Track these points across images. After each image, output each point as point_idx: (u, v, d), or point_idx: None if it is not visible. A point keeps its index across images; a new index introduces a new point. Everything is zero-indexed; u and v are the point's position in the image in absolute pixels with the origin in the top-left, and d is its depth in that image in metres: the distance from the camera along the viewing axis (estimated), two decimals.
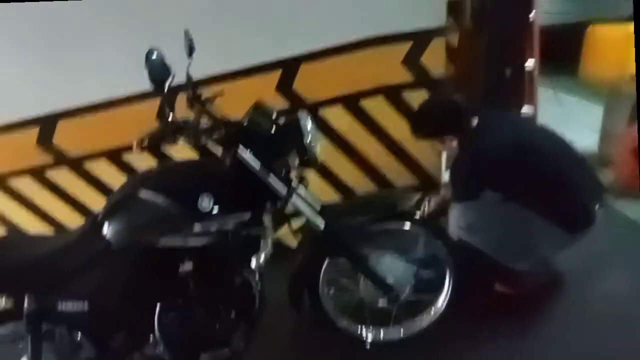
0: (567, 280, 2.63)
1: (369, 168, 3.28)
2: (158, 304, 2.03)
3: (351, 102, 3.16)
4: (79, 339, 2.03)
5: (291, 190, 2.00)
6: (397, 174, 3.30)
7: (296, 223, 2.21)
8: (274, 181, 1.97)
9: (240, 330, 2.12)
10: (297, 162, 1.98)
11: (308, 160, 2.00)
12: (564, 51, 4.11)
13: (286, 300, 2.25)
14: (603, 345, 2.24)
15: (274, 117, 2.00)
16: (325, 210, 2.13)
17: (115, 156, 3.07)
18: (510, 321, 2.41)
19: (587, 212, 2.42)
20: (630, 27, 3.65)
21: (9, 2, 2.54)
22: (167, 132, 1.87)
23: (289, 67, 3.02)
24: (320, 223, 2.07)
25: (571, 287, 2.61)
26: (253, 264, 1.93)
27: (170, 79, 1.84)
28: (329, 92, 3.12)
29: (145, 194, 1.90)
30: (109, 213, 2.00)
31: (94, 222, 2.02)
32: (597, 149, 3.96)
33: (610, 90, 3.86)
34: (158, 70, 1.82)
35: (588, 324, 2.38)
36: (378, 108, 3.17)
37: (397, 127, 3.09)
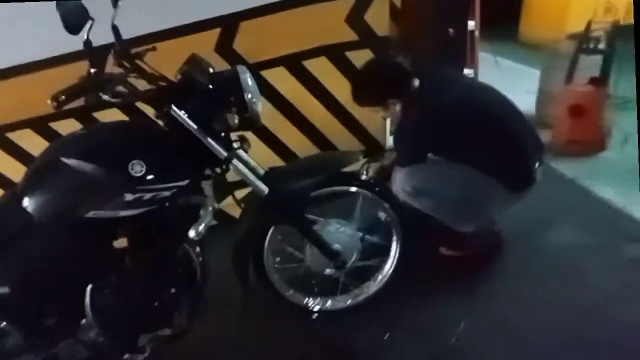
0: (513, 239, 2.63)
1: (313, 132, 3.15)
2: (90, 283, 1.83)
3: (293, 63, 2.99)
4: (3, 325, 1.82)
5: (232, 153, 1.84)
6: (342, 138, 3.20)
7: (240, 193, 2.05)
8: (213, 143, 1.79)
9: (182, 307, 1.96)
10: (237, 121, 1.79)
11: (249, 119, 1.83)
12: (503, 16, 4.08)
13: (230, 272, 2.10)
14: (551, 296, 2.26)
15: (210, 71, 1.81)
16: (268, 175, 1.98)
17: (42, 125, 2.74)
18: (458, 283, 2.38)
19: (529, 171, 2.41)
20: None
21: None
22: (87, 86, 1.64)
23: (228, 25, 2.81)
24: (264, 188, 1.91)
25: (517, 245, 2.62)
26: (192, 234, 1.75)
27: (88, 24, 1.60)
28: (270, 52, 2.94)
29: (68, 161, 1.68)
30: (29, 183, 1.77)
31: (12, 194, 1.79)
32: (534, 111, 3.97)
33: (547, 50, 3.87)
34: (73, 14, 1.58)
35: (535, 277, 2.40)
36: (321, 69, 3.03)
37: (341, 89, 2.95)
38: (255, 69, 2.87)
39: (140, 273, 1.88)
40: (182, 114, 1.75)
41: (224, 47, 2.83)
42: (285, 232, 2.12)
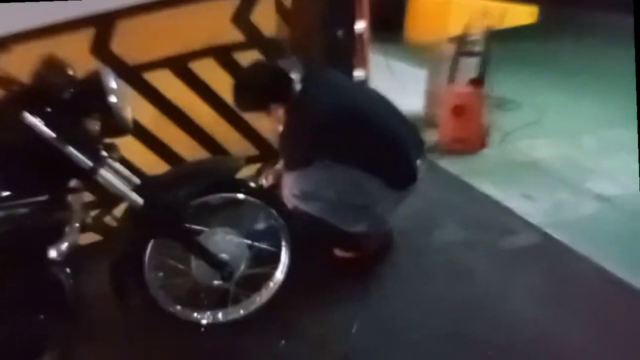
0: (403, 237, 2.64)
1: (204, 138, 2.98)
2: None
3: (179, 65, 2.81)
4: None
5: (99, 163, 1.64)
6: (235, 143, 3.05)
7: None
8: (75, 152, 1.59)
9: (54, 334, 1.74)
10: (101, 127, 1.60)
11: (116, 125, 1.64)
12: (391, 20, 4.14)
13: (109, 292, 1.90)
14: (442, 293, 2.28)
15: (69, 73, 1.60)
16: (143, 185, 1.80)
17: None
18: (352, 284, 2.35)
19: (411, 168, 2.42)
20: None
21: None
22: None
23: (103, 25, 2.57)
24: (137, 200, 1.74)
25: (407, 243, 2.63)
26: (54, 254, 1.54)
27: None
28: (154, 53, 2.74)
29: None
30: None
31: None
32: (422, 110, 4.07)
33: (431, 53, 3.97)
34: None
35: (426, 275, 2.41)
36: (209, 71, 2.87)
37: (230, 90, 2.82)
38: (138, 72, 2.72)
39: (3, 299, 1.65)
40: (36, 122, 1.54)
41: (101, 49, 2.59)
42: (167, 245, 1.94)
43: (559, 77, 5.31)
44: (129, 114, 1.71)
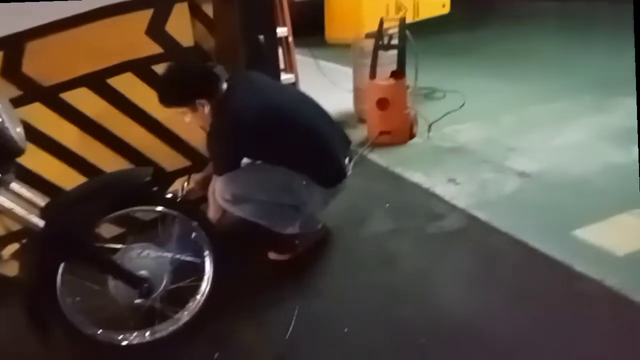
0: (335, 232, 2.56)
1: (131, 153, 2.79)
2: None
3: (96, 82, 2.61)
4: None
5: None
6: (165, 156, 2.87)
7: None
8: None
9: None
10: None
11: (5, 146, 1.46)
12: (314, 23, 4.05)
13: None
14: (372, 282, 2.22)
15: None
16: (47, 207, 1.62)
17: None
18: (285, 284, 2.25)
19: (339, 166, 2.37)
20: None
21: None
22: None
23: (11, 47, 2.36)
24: (37, 222, 1.56)
25: (339, 237, 2.55)
26: None
27: None
28: (69, 72, 2.54)
29: None
30: None
31: None
32: (352, 107, 4.00)
33: (351, 49, 3.90)
34: None
35: (356, 266, 2.35)
36: (129, 85, 2.68)
37: (155, 104, 2.64)
38: (54, 92, 2.51)
39: None
40: None
41: (12, 71, 2.38)
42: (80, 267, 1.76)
43: (477, 64, 5.38)
44: (20, 134, 1.52)
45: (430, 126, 3.62)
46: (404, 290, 2.14)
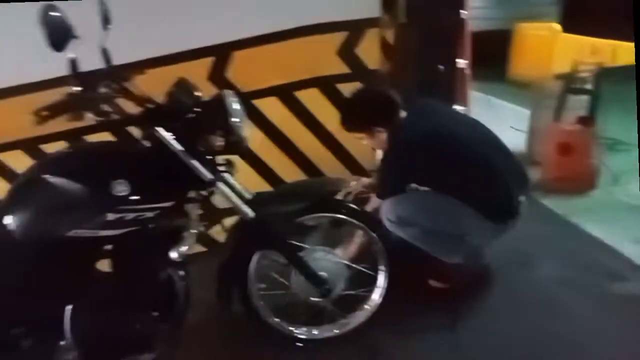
0: (500, 272, 2.60)
1: (302, 160, 3.16)
2: (70, 304, 1.77)
3: (285, 94, 3.02)
4: None
5: (217, 176, 1.82)
6: (333, 168, 3.19)
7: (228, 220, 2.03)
8: (198, 165, 1.77)
9: (163, 331, 1.89)
10: (222, 144, 1.78)
11: (234, 143, 1.82)
12: (493, 56, 4.16)
13: (213, 298, 2.05)
14: (533, 330, 2.22)
15: (196, 95, 1.81)
16: (254, 200, 1.96)
17: (32, 147, 2.70)
18: (444, 315, 2.33)
19: (512, 203, 2.40)
20: (555, 26, 3.76)
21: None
22: (71, 103, 1.62)
23: (221, 54, 2.84)
24: (249, 212, 1.89)
25: (504, 278, 2.59)
26: (175, 256, 1.71)
27: (70, 40, 1.59)
28: (263, 82, 2.97)
29: (51, 178, 1.65)
30: (12, 200, 1.74)
31: None
32: (525, 148, 4.00)
33: (535, 89, 3.92)
34: (58, 29, 1.55)
35: (519, 312, 2.35)
36: (313, 99, 3.05)
37: (332, 119, 2.97)
38: (248, 98, 2.95)
39: (122, 295, 1.83)
40: (167, 136, 1.74)
41: (217, 76, 2.85)
42: (271, 258, 2.08)
43: None
44: (246, 133, 1.88)
45: (614, 179, 3.52)
46: (565, 345, 2.12)
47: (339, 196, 2.27)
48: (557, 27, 3.74)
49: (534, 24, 4.09)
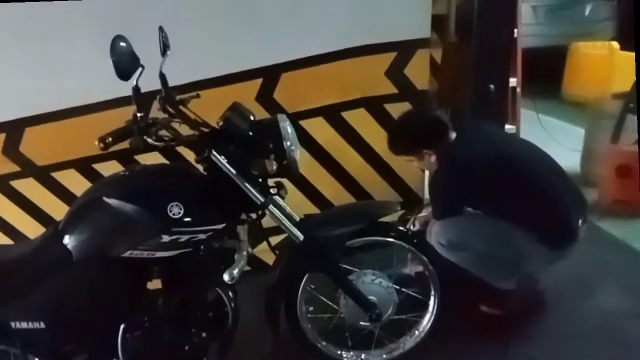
0: (556, 298, 2.53)
1: (350, 182, 3.16)
2: (123, 322, 1.84)
3: (332, 114, 3.05)
4: None
5: (268, 199, 1.85)
6: (379, 189, 3.19)
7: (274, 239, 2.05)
8: (251, 188, 1.81)
9: (212, 351, 1.94)
10: (275, 167, 1.82)
11: (287, 166, 1.85)
12: (546, 73, 4.10)
13: (262, 319, 2.07)
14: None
15: (251, 119, 1.86)
16: (303, 222, 1.99)
17: (85, 166, 2.84)
18: (496, 343, 2.29)
19: (571, 228, 2.33)
20: (613, 44, 3.68)
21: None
22: (132, 129, 1.70)
23: (269, 76, 2.90)
24: (299, 235, 1.92)
25: (560, 305, 2.52)
26: (227, 278, 1.75)
27: (139, 71, 1.67)
28: (310, 102, 3.01)
29: (110, 200, 1.73)
30: (70, 220, 1.83)
31: (54, 230, 1.85)
32: (579, 169, 3.90)
33: (591, 108, 3.83)
34: (125, 60, 1.64)
35: (576, 341, 2.29)
36: (360, 119, 3.07)
37: (379, 140, 2.97)
38: (294, 119, 2.99)
39: (173, 315, 1.89)
40: (221, 159, 1.79)
41: (265, 97, 2.91)
42: (319, 281, 2.09)
43: None
44: (298, 156, 1.91)
45: None
46: None
47: (410, 225, 2.24)
48: (615, 45, 3.66)
49: (591, 42, 4.00)
